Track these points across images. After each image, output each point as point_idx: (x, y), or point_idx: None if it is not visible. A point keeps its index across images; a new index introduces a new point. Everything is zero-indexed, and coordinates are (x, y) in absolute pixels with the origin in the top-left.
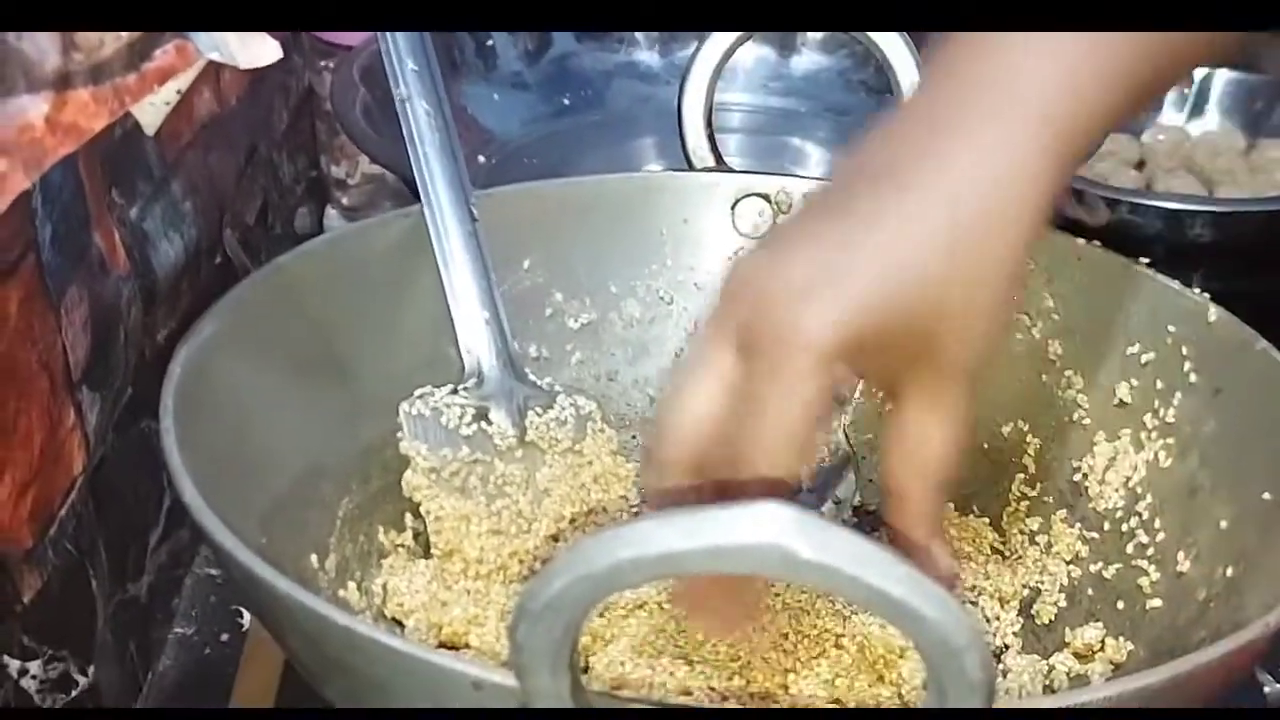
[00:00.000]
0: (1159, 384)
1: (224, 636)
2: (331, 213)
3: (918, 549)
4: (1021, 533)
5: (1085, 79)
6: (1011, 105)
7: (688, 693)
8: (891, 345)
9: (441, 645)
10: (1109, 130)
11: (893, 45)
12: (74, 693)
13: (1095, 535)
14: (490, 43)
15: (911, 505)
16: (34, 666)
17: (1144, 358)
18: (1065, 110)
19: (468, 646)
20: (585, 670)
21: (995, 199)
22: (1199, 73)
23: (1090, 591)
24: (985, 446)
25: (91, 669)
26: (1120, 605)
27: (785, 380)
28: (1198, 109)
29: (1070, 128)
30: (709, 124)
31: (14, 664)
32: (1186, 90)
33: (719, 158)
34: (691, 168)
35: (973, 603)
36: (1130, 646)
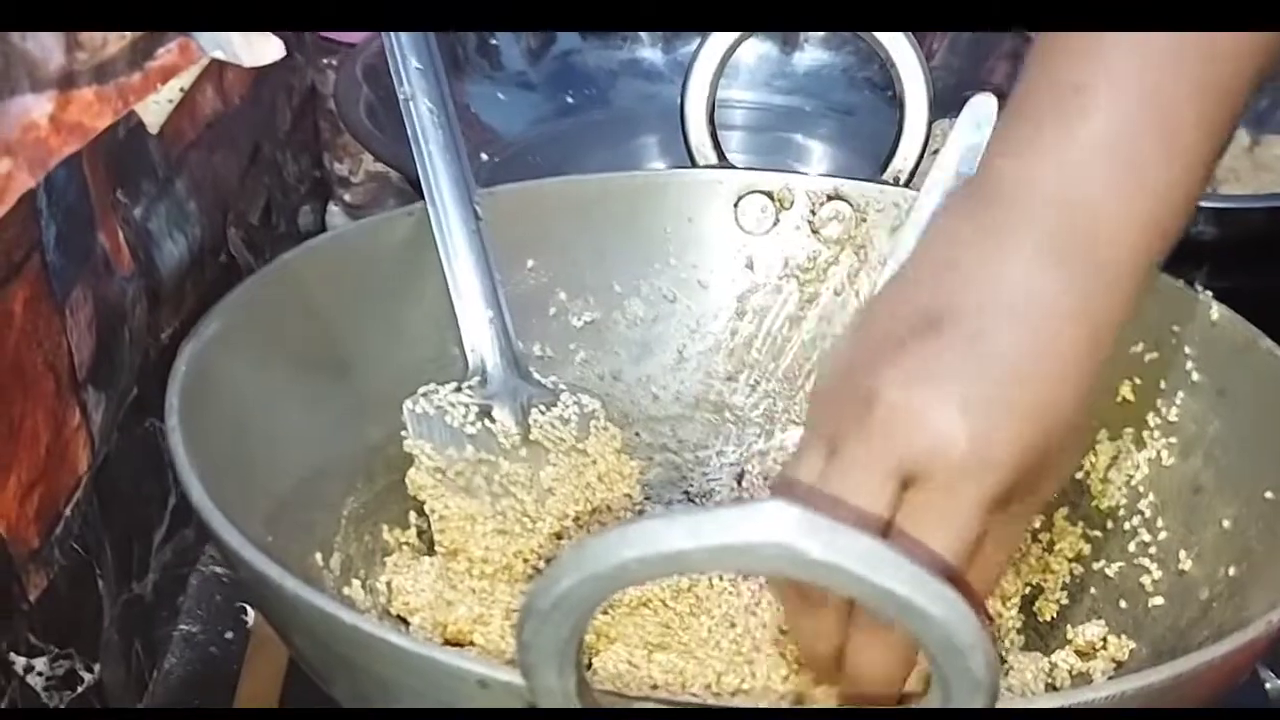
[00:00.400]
0: (1162, 383)
1: (229, 634)
2: (335, 211)
3: None
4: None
5: (1155, 164)
6: (1082, 189)
7: (692, 690)
8: (1024, 479)
9: (446, 643)
10: (1188, 214)
11: (896, 44)
12: (80, 690)
13: (1098, 533)
14: (494, 41)
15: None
16: (40, 664)
17: (1147, 356)
18: (1144, 196)
19: (472, 645)
20: (589, 668)
21: (1079, 314)
22: None
23: (1093, 589)
24: None
25: (97, 667)
26: (1123, 604)
27: (951, 518)
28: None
29: (1153, 214)
30: (712, 121)
31: (20, 661)
32: None
33: (722, 155)
34: (695, 165)
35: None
36: (1133, 645)
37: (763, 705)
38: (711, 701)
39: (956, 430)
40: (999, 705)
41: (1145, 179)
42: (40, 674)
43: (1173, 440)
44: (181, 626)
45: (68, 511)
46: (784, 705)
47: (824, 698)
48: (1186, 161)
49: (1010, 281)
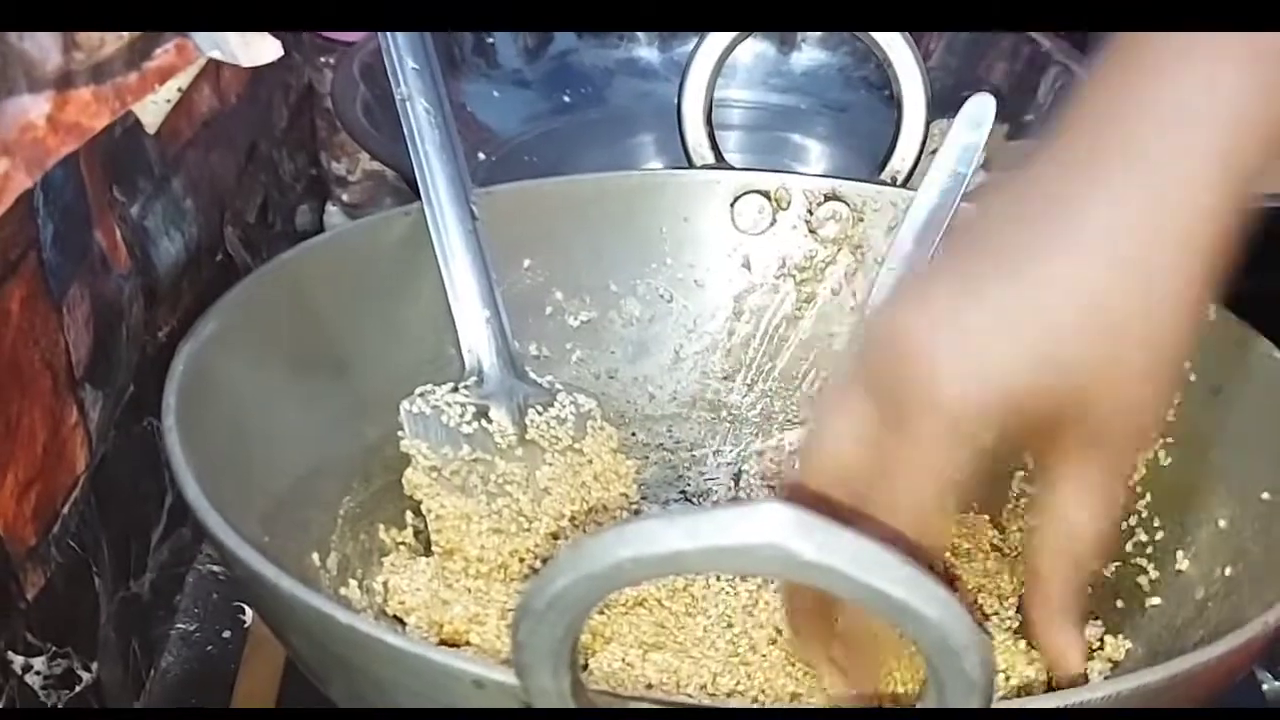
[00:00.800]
0: None
1: (226, 633)
2: (332, 209)
3: (1053, 638)
4: (1021, 530)
5: (1253, 98)
6: (1177, 136)
7: (688, 690)
8: (1043, 417)
9: (442, 643)
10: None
11: (893, 44)
12: (77, 689)
13: None
14: (490, 40)
15: (1052, 590)
16: (38, 663)
17: None
18: (1235, 141)
19: (469, 644)
20: (585, 668)
21: (1161, 255)
22: None
23: (1089, 589)
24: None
25: (95, 665)
26: (1119, 603)
27: (919, 446)
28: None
29: (1240, 161)
30: (709, 121)
31: (18, 660)
32: None
33: (719, 155)
34: (691, 165)
35: (971, 601)
36: (1129, 645)
37: (757, 706)
38: (706, 702)
39: (929, 350)
40: (994, 706)
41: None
42: (38, 673)
43: (1169, 440)
44: (179, 625)
45: (65, 510)
46: (780, 706)
47: (820, 698)
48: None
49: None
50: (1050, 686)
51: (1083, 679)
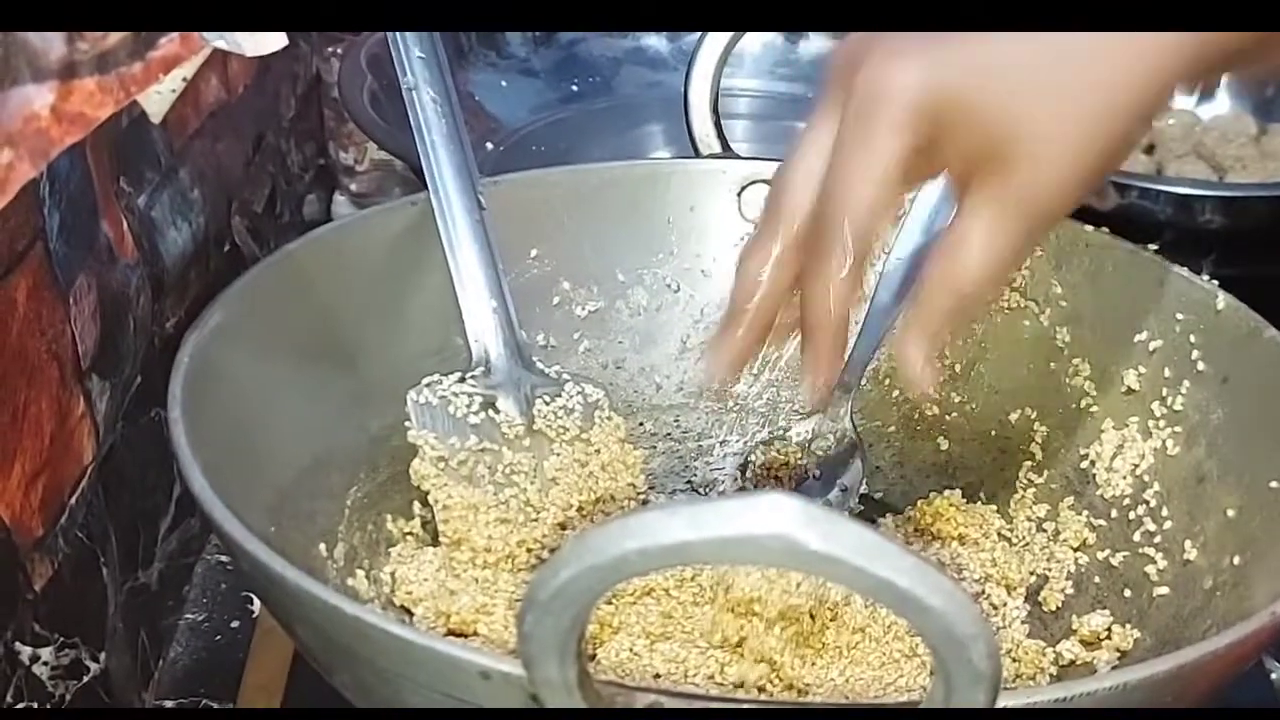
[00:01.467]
0: (1167, 371)
1: (234, 623)
2: (340, 199)
3: (909, 351)
4: (1029, 520)
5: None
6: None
7: (695, 680)
8: (971, 131)
9: (450, 634)
10: (1248, 41)
11: None
12: (85, 679)
13: (1102, 523)
14: (496, 31)
15: (926, 308)
16: (46, 653)
17: (1152, 345)
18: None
19: (476, 634)
20: (593, 658)
21: (1127, 37)
22: None
23: (1097, 579)
24: (992, 434)
25: (103, 656)
26: (1127, 593)
27: (869, 129)
28: (1209, 94)
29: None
30: (715, 110)
31: (26, 651)
32: None
33: (725, 144)
34: (698, 154)
35: (979, 591)
36: (1137, 634)
37: (764, 698)
38: (714, 693)
39: (884, 52)
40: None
41: None
42: (46, 663)
43: (1178, 429)
44: (187, 615)
45: (72, 501)
46: (786, 697)
47: (827, 689)
48: None
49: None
50: (1057, 677)
51: (928, 386)
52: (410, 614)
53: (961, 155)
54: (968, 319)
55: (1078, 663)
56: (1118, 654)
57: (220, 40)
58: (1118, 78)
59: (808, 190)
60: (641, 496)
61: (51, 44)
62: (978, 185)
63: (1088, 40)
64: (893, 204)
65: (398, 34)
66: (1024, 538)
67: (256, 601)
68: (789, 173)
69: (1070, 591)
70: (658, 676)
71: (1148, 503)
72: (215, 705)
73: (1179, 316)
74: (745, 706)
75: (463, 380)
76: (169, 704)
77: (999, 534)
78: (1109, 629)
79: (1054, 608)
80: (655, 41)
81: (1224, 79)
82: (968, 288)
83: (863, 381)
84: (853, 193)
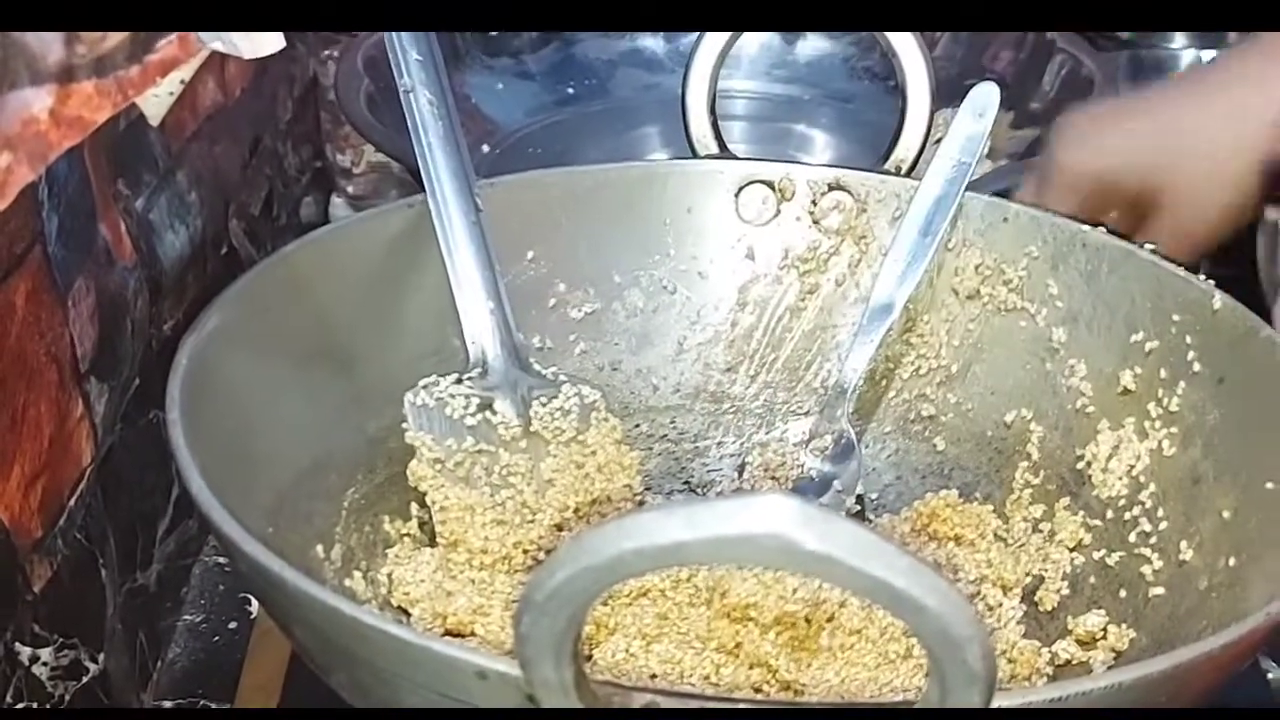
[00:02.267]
0: (1163, 372)
1: (232, 624)
2: (337, 201)
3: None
4: (1025, 520)
5: None
6: None
7: (691, 681)
8: (1137, 187)
9: (446, 634)
10: None
11: (898, 34)
12: (84, 680)
13: (1098, 523)
14: (494, 32)
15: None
16: (45, 654)
17: (1148, 345)
18: None
19: (473, 635)
20: (589, 659)
21: (1244, 115)
22: (1206, 56)
23: (1093, 579)
24: (988, 434)
25: (102, 656)
26: (1123, 593)
27: (1048, 188)
28: None
29: None
30: (712, 111)
31: (25, 651)
32: None
33: (723, 145)
34: (695, 155)
35: (975, 591)
36: (1133, 634)
37: (760, 698)
38: (709, 693)
39: (1065, 137)
40: (997, 696)
41: None
42: (45, 664)
43: (1173, 430)
44: (185, 617)
45: (71, 502)
46: (782, 697)
47: (823, 690)
48: None
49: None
50: (1053, 677)
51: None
52: (407, 615)
53: (1130, 206)
54: None
55: (1073, 663)
56: (1113, 654)
57: (217, 42)
58: (1228, 160)
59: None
60: (638, 498)
61: (50, 47)
62: (1146, 229)
63: (1215, 131)
64: None
65: (395, 36)
66: (1020, 538)
67: (254, 603)
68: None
69: (1066, 592)
70: (653, 677)
71: (1143, 503)
72: (213, 706)
73: (1175, 317)
74: (741, 706)
75: (459, 382)
76: (167, 704)
77: (995, 534)
78: (1104, 629)
79: (1050, 608)
80: (652, 43)
81: None
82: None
83: (860, 382)
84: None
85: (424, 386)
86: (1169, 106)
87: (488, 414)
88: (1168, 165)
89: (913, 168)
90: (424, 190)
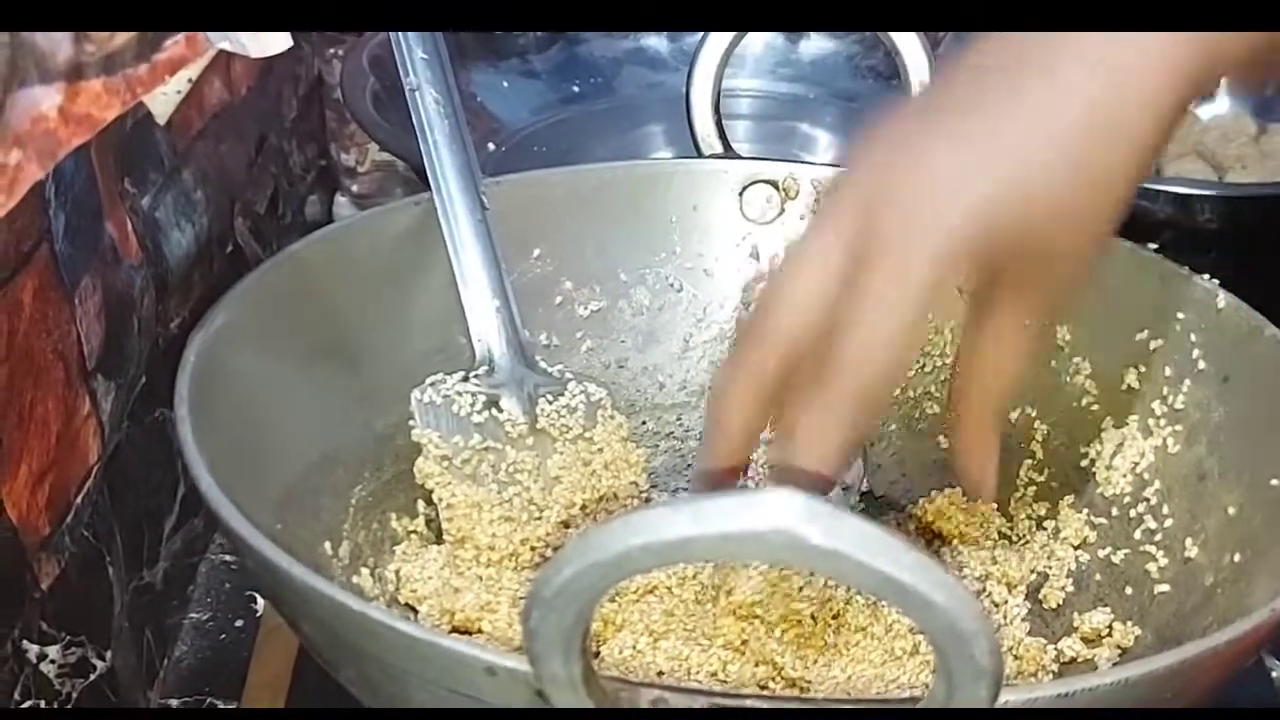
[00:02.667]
0: (1167, 370)
1: (239, 622)
2: (342, 200)
3: (973, 462)
4: (1029, 518)
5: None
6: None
7: (698, 678)
8: (1005, 252)
9: (454, 631)
10: (1232, 69)
11: (904, 38)
12: (92, 677)
13: (1103, 521)
14: (498, 31)
15: (977, 422)
16: (53, 651)
17: (1152, 344)
18: (1194, 42)
19: (480, 632)
20: (596, 655)
21: (1121, 104)
22: None
23: (1098, 577)
24: None
25: (109, 654)
26: (1128, 590)
27: (899, 276)
28: (1208, 95)
29: (1202, 49)
30: (717, 110)
31: (33, 649)
32: None
33: (727, 144)
34: (700, 155)
35: (980, 588)
36: (1138, 631)
37: (768, 694)
38: (716, 688)
39: (916, 185)
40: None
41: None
42: (53, 661)
43: (1178, 427)
44: (192, 615)
45: (78, 500)
46: (789, 694)
47: (829, 687)
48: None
49: (1033, 82)
50: (1059, 674)
51: (991, 496)
52: (415, 612)
53: (989, 281)
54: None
55: (1079, 660)
56: (1119, 651)
57: (225, 41)
58: (1115, 161)
59: (809, 311)
60: (644, 495)
61: (58, 45)
62: (1003, 302)
63: (1093, 137)
64: (916, 344)
65: (400, 34)
66: (1024, 536)
67: (260, 601)
68: (785, 288)
69: (1071, 589)
70: (660, 674)
71: (1148, 500)
72: (220, 704)
73: (1179, 315)
74: (748, 704)
75: (466, 379)
76: (174, 703)
77: (999, 532)
78: (1110, 626)
79: (1055, 605)
80: (656, 42)
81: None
82: (1010, 390)
83: None
84: (870, 344)
85: (431, 384)
86: (1013, 115)
87: (494, 411)
88: (1047, 201)
89: None
90: (429, 188)
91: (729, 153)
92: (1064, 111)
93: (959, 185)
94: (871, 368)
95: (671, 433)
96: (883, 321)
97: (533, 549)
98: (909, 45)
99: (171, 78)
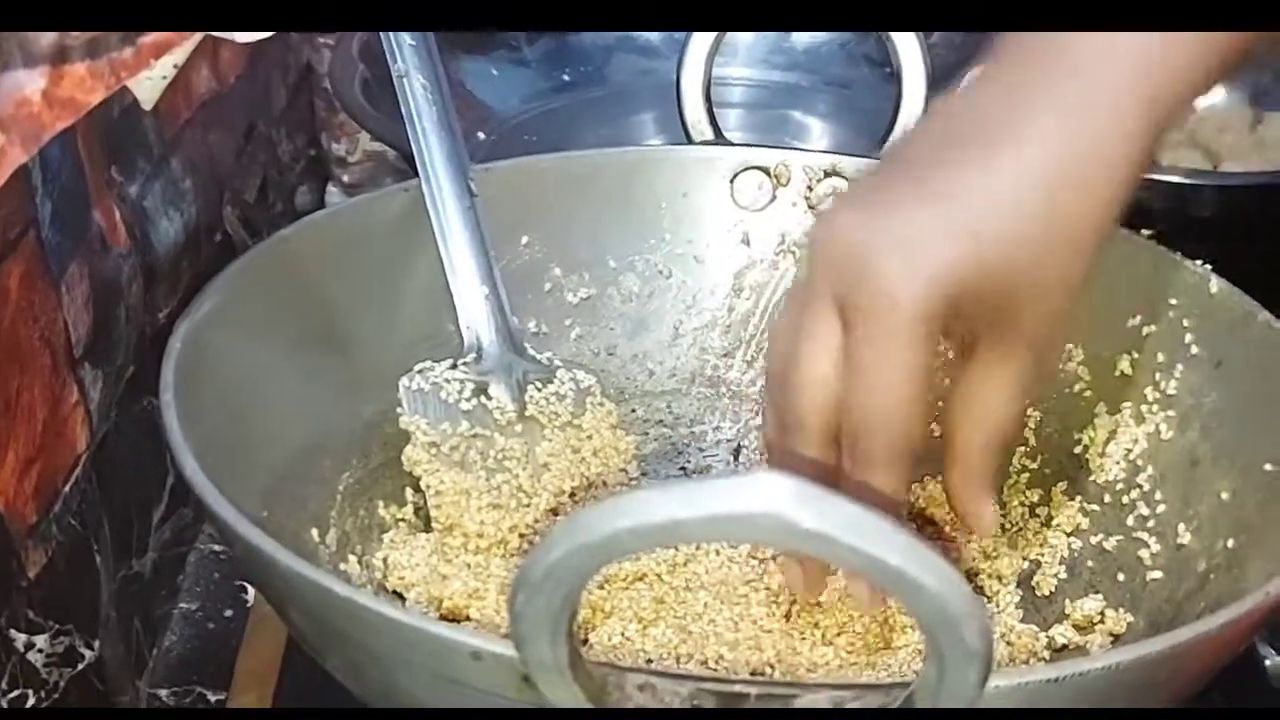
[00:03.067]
0: (1160, 356)
1: (228, 612)
2: (332, 190)
3: (969, 506)
4: (1022, 505)
5: (1175, 44)
6: (1104, 62)
7: (687, 666)
8: (979, 305)
9: (442, 618)
10: (1194, 99)
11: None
12: (80, 666)
13: (1096, 507)
14: (485, 30)
15: (971, 465)
16: (40, 640)
17: (1145, 330)
18: (1157, 72)
19: (468, 619)
20: (585, 642)
21: (1088, 157)
22: None
23: (1090, 563)
24: None
25: (97, 643)
26: (1120, 577)
27: (884, 345)
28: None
29: (1162, 91)
30: (708, 98)
31: (20, 638)
32: None
33: (718, 131)
34: (690, 142)
35: (972, 575)
36: (1130, 618)
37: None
38: (704, 673)
39: (882, 253)
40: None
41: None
42: (40, 650)
43: (1171, 413)
44: (181, 604)
45: (66, 488)
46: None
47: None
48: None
49: (1000, 133)
50: (1051, 662)
51: (988, 533)
52: (402, 599)
53: (966, 329)
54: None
55: (1071, 647)
56: (1111, 638)
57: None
58: (1081, 216)
59: (824, 395)
60: (634, 482)
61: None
62: (985, 342)
63: (1054, 199)
64: (924, 406)
65: None
66: (1017, 523)
67: (250, 591)
68: (799, 376)
69: (1063, 576)
70: (649, 661)
71: (1141, 487)
72: (209, 694)
73: (1172, 301)
74: (736, 689)
75: (454, 366)
76: (163, 693)
77: None
78: (1102, 613)
79: (1047, 592)
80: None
81: None
82: (1005, 438)
83: None
84: (883, 410)
85: (419, 371)
86: (983, 173)
87: (483, 398)
88: (1017, 258)
89: None
90: (418, 177)
91: (720, 139)
92: (1030, 170)
93: (921, 249)
94: (888, 429)
95: (661, 420)
96: (881, 388)
97: (521, 536)
98: (903, 35)
99: (156, 62)
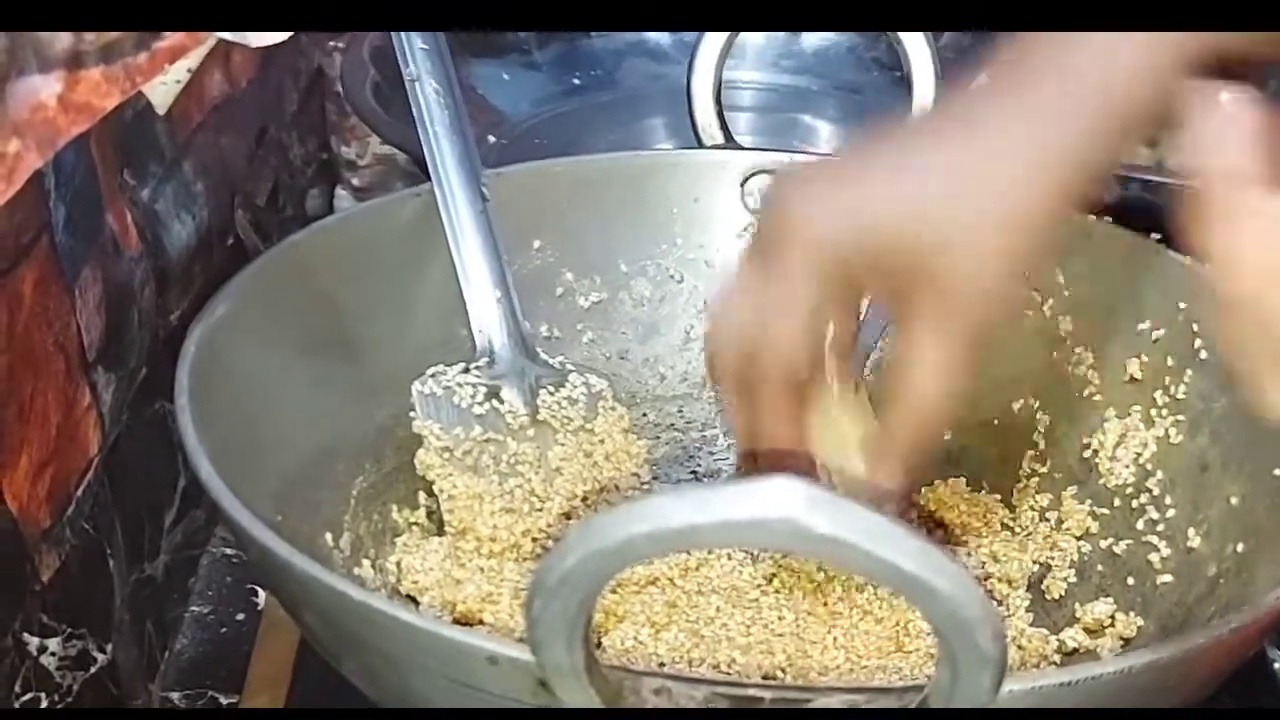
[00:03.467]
0: (1170, 360)
1: (240, 616)
2: (342, 194)
3: (871, 471)
4: (1032, 509)
5: (1137, 42)
6: (1066, 72)
7: (700, 670)
8: (889, 265)
9: (455, 622)
10: (1156, 119)
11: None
12: (93, 670)
13: (1106, 511)
14: (497, 31)
15: (897, 441)
16: (53, 644)
17: (1155, 334)
18: (1121, 85)
19: (481, 623)
20: (598, 646)
21: (1026, 155)
22: None
23: (1100, 567)
24: (996, 423)
25: (110, 647)
26: (1130, 581)
27: (783, 272)
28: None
29: (1122, 106)
30: (718, 102)
31: (34, 641)
32: None
33: (728, 135)
34: (701, 146)
35: (983, 578)
36: (1140, 622)
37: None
38: (717, 677)
39: (789, 197)
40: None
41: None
42: (54, 654)
43: (1180, 418)
44: (193, 608)
45: (79, 492)
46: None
47: (832, 676)
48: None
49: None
50: (1061, 665)
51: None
52: (416, 603)
53: (888, 292)
54: (934, 434)
55: (1081, 651)
56: (1121, 642)
57: (224, 31)
58: (1028, 211)
59: (738, 335)
60: (645, 486)
61: (57, 34)
62: (911, 310)
63: (989, 160)
64: (818, 336)
65: None
66: (1027, 527)
67: (261, 594)
68: (719, 318)
69: (1073, 580)
70: (662, 665)
71: (1151, 491)
72: (221, 697)
73: (1181, 305)
74: (751, 692)
75: (467, 371)
76: (175, 696)
77: (1002, 523)
78: (1112, 617)
79: (1057, 596)
80: (657, 34)
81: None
82: (930, 412)
83: (866, 372)
84: (776, 339)
85: (432, 375)
86: (934, 150)
87: (495, 403)
88: (946, 220)
89: None
90: (430, 181)
91: (730, 144)
92: (977, 153)
93: (824, 196)
94: (772, 350)
95: (673, 424)
96: (771, 309)
97: (534, 540)
98: (911, 36)
99: (171, 67)
